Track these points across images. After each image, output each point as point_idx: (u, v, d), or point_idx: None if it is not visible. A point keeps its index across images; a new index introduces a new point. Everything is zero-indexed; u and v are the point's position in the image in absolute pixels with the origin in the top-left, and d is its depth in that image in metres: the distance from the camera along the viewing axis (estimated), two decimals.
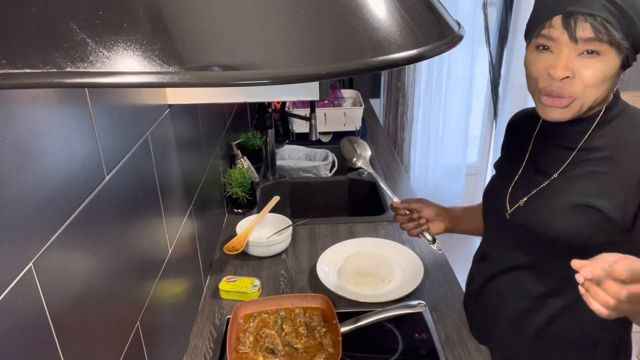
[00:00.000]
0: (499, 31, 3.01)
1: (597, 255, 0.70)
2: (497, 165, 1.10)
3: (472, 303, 1.13)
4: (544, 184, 0.93)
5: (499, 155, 1.13)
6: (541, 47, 0.83)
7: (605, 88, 0.82)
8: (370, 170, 1.25)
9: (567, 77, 0.80)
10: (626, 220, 0.84)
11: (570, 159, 0.90)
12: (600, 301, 0.68)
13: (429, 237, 1.17)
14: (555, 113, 0.85)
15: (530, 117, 1.02)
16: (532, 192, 0.94)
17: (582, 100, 0.82)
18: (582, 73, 0.80)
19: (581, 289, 0.70)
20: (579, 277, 0.68)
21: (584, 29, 0.77)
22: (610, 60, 0.79)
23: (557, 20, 0.79)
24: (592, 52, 0.78)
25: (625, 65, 0.82)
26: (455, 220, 1.21)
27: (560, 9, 0.78)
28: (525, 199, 0.95)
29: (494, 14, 3.01)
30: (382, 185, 1.21)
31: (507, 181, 1.00)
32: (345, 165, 2.18)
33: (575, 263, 0.69)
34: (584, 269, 0.68)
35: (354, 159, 1.29)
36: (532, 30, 0.84)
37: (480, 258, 1.10)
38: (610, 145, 0.87)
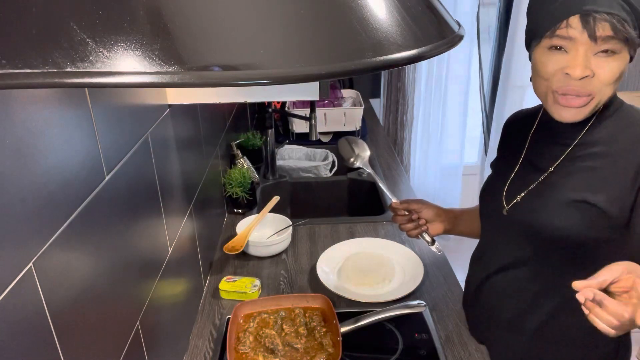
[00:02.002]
0: (498, 32, 3.00)
1: (600, 271, 0.72)
2: (494, 165, 1.11)
3: (470, 302, 1.13)
4: (541, 180, 0.93)
5: (493, 155, 1.13)
6: (554, 48, 0.82)
7: (617, 85, 0.83)
8: (369, 170, 1.23)
9: (587, 76, 0.80)
10: (622, 216, 0.84)
11: (566, 154, 0.90)
12: (604, 321, 0.70)
13: (428, 238, 1.17)
14: (570, 113, 0.84)
15: (528, 117, 1.02)
16: (529, 188, 0.94)
17: (599, 98, 0.82)
18: (598, 72, 0.80)
19: (584, 309, 0.72)
20: (580, 297, 0.70)
21: (604, 28, 0.77)
22: (623, 57, 0.80)
23: (575, 19, 0.78)
24: (608, 51, 0.78)
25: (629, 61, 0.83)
26: (454, 222, 1.21)
27: (577, 8, 0.78)
28: (522, 195, 0.95)
29: (490, 14, 2.99)
30: (381, 185, 1.20)
31: (504, 179, 1.00)
32: (345, 165, 2.18)
33: (577, 284, 0.71)
34: (584, 290, 0.69)
35: (352, 159, 1.27)
36: (544, 30, 0.82)
37: (477, 257, 1.10)
38: (605, 141, 0.87)
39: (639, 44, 0.80)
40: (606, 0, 0.76)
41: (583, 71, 0.79)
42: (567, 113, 0.84)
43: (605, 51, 0.79)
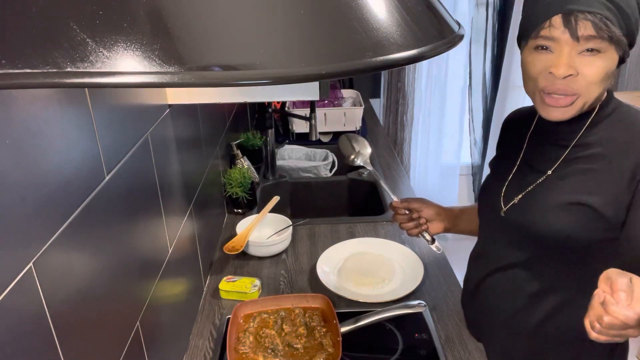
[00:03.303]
0: (492, 32, 2.98)
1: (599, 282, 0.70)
2: (492, 164, 1.11)
3: (469, 301, 1.13)
4: (538, 182, 0.93)
5: (487, 155, 1.13)
6: (540, 48, 0.83)
7: (606, 85, 0.83)
8: (370, 168, 1.22)
9: (571, 75, 0.80)
10: (619, 217, 0.84)
11: (564, 156, 0.91)
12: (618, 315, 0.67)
13: (428, 237, 1.17)
14: (557, 113, 0.85)
15: (525, 116, 1.02)
16: (527, 190, 0.95)
17: (586, 97, 0.82)
18: (584, 71, 0.80)
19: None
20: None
21: (585, 27, 0.77)
22: (609, 56, 0.79)
23: (557, 19, 0.79)
24: (593, 50, 0.79)
25: (621, 61, 0.82)
26: (454, 220, 1.21)
27: (559, 8, 0.78)
28: (519, 196, 0.95)
29: (481, 14, 2.97)
30: (382, 184, 1.19)
31: (502, 179, 1.01)
32: (345, 165, 2.18)
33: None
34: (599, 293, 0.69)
35: (352, 157, 1.25)
36: (530, 31, 0.84)
37: (476, 256, 1.10)
38: (602, 143, 0.87)
39: (627, 43, 0.80)
40: (589, 0, 0.76)
41: (566, 70, 0.80)
42: (555, 112, 0.85)
43: (590, 50, 0.79)
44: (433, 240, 1.18)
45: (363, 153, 1.25)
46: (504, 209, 0.97)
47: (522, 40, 0.88)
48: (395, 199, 1.18)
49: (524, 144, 1.00)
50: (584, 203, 0.85)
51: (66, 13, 0.24)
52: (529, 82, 0.87)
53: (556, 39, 0.80)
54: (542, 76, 0.84)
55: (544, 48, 0.83)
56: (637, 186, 0.83)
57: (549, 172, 0.92)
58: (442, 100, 3.10)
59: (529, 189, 0.94)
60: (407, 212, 1.18)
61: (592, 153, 0.88)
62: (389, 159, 2.20)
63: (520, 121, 1.03)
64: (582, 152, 0.89)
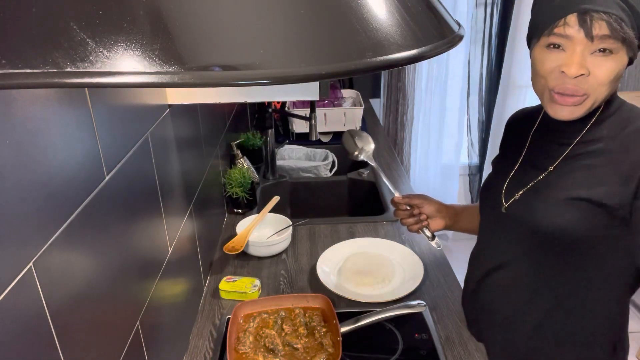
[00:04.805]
0: (490, 32, 2.98)
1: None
2: (495, 162, 1.11)
3: (469, 300, 1.13)
4: (539, 178, 0.93)
5: (487, 156, 1.14)
6: (552, 46, 0.83)
7: (615, 86, 0.83)
8: (373, 163, 1.22)
9: (582, 74, 0.80)
10: (620, 214, 0.84)
11: (566, 153, 0.91)
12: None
13: (428, 233, 1.18)
14: (565, 112, 0.85)
15: (529, 116, 1.03)
16: (528, 186, 0.95)
17: (594, 98, 0.83)
18: (594, 71, 0.80)
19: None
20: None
21: (601, 27, 0.77)
22: (620, 58, 0.80)
23: (572, 18, 0.79)
24: (605, 50, 0.79)
25: (629, 63, 0.83)
26: (455, 218, 1.21)
27: (575, 7, 0.78)
28: (521, 192, 0.96)
29: (479, 14, 2.96)
30: (384, 179, 1.19)
31: (504, 176, 1.01)
32: (345, 166, 2.18)
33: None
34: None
35: (356, 153, 1.25)
36: (542, 28, 0.83)
37: (476, 254, 1.10)
38: (604, 139, 0.88)
39: (638, 45, 0.80)
40: (604, 0, 0.76)
41: (578, 69, 0.80)
42: (563, 111, 0.85)
43: (603, 50, 0.79)
44: (433, 237, 1.18)
45: (366, 149, 1.26)
46: (505, 205, 0.98)
47: (532, 37, 0.87)
48: (397, 194, 1.18)
49: (526, 142, 1.00)
50: (585, 198, 0.86)
51: (66, 13, 0.24)
52: (539, 80, 0.87)
53: (570, 37, 0.80)
54: (552, 75, 0.83)
55: (556, 46, 0.82)
56: (638, 182, 0.83)
57: (550, 169, 0.92)
58: (442, 100, 3.10)
59: (530, 185, 0.95)
60: (408, 207, 1.18)
61: (594, 149, 0.88)
62: (389, 159, 2.20)
63: (523, 120, 1.04)
64: (583, 149, 0.89)
